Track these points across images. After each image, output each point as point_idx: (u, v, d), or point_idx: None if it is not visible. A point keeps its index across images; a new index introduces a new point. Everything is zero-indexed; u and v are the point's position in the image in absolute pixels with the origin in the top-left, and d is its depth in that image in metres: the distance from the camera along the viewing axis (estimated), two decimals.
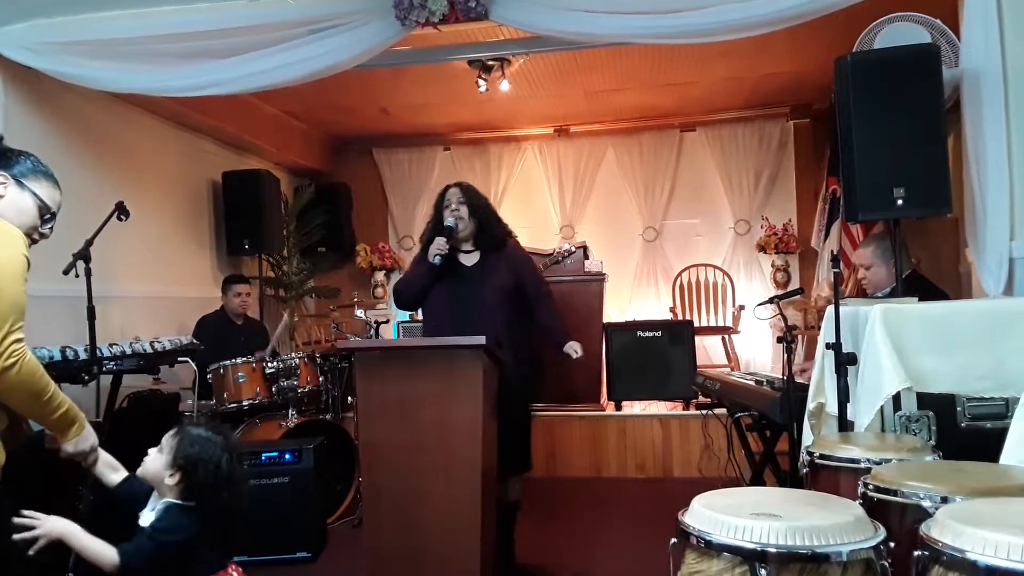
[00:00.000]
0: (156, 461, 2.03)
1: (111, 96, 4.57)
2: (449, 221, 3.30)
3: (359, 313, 4.66)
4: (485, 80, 5.52)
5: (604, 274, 5.56)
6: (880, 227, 4.27)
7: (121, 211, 3.64)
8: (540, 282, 3.52)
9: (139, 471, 2.07)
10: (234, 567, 2.08)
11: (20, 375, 1.86)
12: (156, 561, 1.93)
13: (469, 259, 3.37)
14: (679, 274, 6.92)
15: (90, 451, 2.12)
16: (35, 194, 2.13)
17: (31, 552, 1.89)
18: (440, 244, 3.24)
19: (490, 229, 3.38)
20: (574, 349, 3.41)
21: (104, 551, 1.91)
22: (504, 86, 5.65)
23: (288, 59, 3.74)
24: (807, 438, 2.71)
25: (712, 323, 6.71)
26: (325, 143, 7.61)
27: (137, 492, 2.09)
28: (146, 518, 2.01)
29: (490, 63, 5.39)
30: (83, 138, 4.53)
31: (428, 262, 3.26)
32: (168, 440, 2.04)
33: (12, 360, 1.83)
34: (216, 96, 4.18)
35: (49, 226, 2.17)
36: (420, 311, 3.60)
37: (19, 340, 1.86)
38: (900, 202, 3.08)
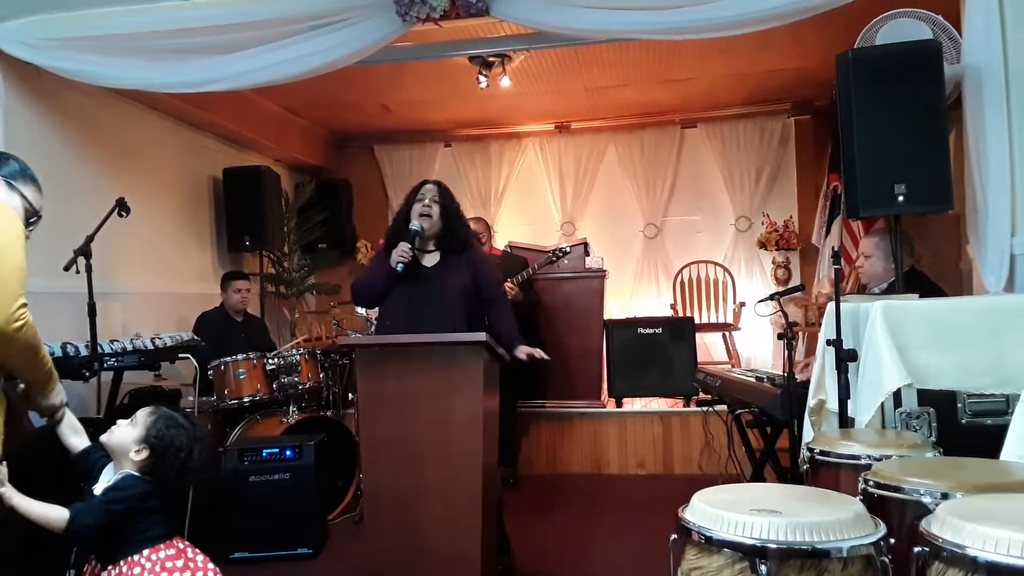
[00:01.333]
0: (125, 433, 2.06)
1: (111, 92, 4.56)
2: (415, 225, 3.22)
3: (360, 310, 4.67)
4: (486, 76, 5.52)
5: (605, 271, 5.56)
6: (881, 223, 4.26)
7: (122, 207, 3.64)
8: (495, 284, 3.41)
9: (103, 438, 2.09)
10: (179, 539, 2.10)
11: (26, 335, 1.98)
12: (103, 519, 1.97)
13: (430, 259, 3.30)
14: (680, 271, 6.91)
15: (59, 405, 2.21)
16: (23, 196, 2.16)
17: None
18: (404, 250, 3.15)
19: (455, 233, 3.30)
20: (524, 353, 3.21)
21: (53, 512, 1.96)
22: (505, 82, 5.65)
23: (289, 55, 3.74)
24: (808, 435, 2.71)
25: (713, 320, 6.70)
26: (326, 139, 7.61)
27: (93, 465, 2.13)
28: (101, 489, 2.05)
29: (491, 59, 5.39)
30: (83, 134, 4.53)
31: (389, 264, 3.17)
32: (144, 416, 2.07)
33: (22, 322, 1.95)
34: (217, 92, 4.18)
35: (31, 228, 2.22)
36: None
37: (25, 304, 1.98)
38: (901, 199, 3.08)
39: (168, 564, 2.00)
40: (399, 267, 3.15)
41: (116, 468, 2.07)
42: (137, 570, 1.98)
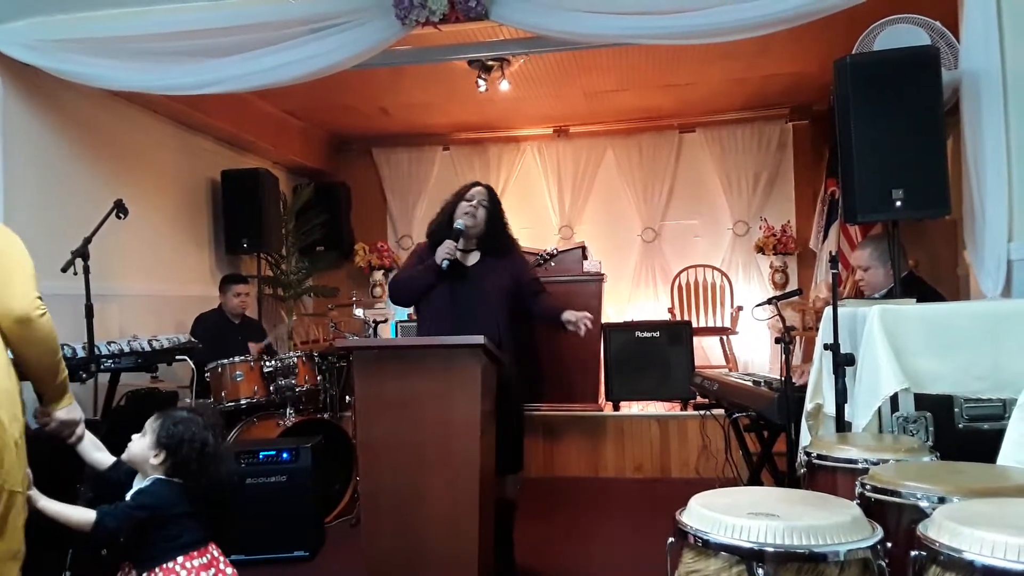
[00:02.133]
0: (140, 444, 2.11)
1: (110, 94, 4.57)
2: (459, 223, 3.25)
3: (357, 312, 4.67)
4: (485, 80, 5.52)
5: (603, 274, 5.55)
6: (878, 229, 4.27)
7: (119, 209, 3.64)
8: (536, 281, 3.52)
9: (124, 455, 2.15)
10: (214, 546, 2.12)
11: (46, 325, 2.05)
12: (129, 522, 2.00)
13: (470, 259, 3.35)
14: (677, 275, 6.92)
15: (77, 422, 2.23)
16: None
17: None
18: (449, 248, 3.18)
19: (498, 236, 3.36)
20: (575, 316, 3.21)
21: (80, 515, 2.00)
22: (504, 86, 5.66)
23: (288, 58, 3.74)
24: (805, 439, 2.71)
25: (710, 324, 6.71)
26: (324, 142, 7.61)
27: (125, 475, 2.17)
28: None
29: (490, 63, 5.40)
30: (82, 136, 4.53)
31: (433, 261, 3.21)
32: (151, 423, 2.13)
33: (42, 310, 2.04)
34: (215, 95, 4.18)
35: None
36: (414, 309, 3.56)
37: (41, 297, 2.06)
38: (899, 204, 3.08)
39: (203, 574, 2.03)
40: (444, 264, 3.17)
41: (142, 478, 2.12)
42: None
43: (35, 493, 2.02)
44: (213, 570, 2.06)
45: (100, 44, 3.85)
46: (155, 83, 3.99)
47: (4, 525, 1.91)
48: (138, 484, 2.11)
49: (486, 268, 3.31)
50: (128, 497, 2.07)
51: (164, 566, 2.01)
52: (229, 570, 2.12)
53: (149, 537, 2.02)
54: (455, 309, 3.22)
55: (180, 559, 2.02)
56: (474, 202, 3.31)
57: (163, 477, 2.08)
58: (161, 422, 2.11)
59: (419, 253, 3.43)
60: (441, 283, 3.25)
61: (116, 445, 2.29)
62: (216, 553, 2.11)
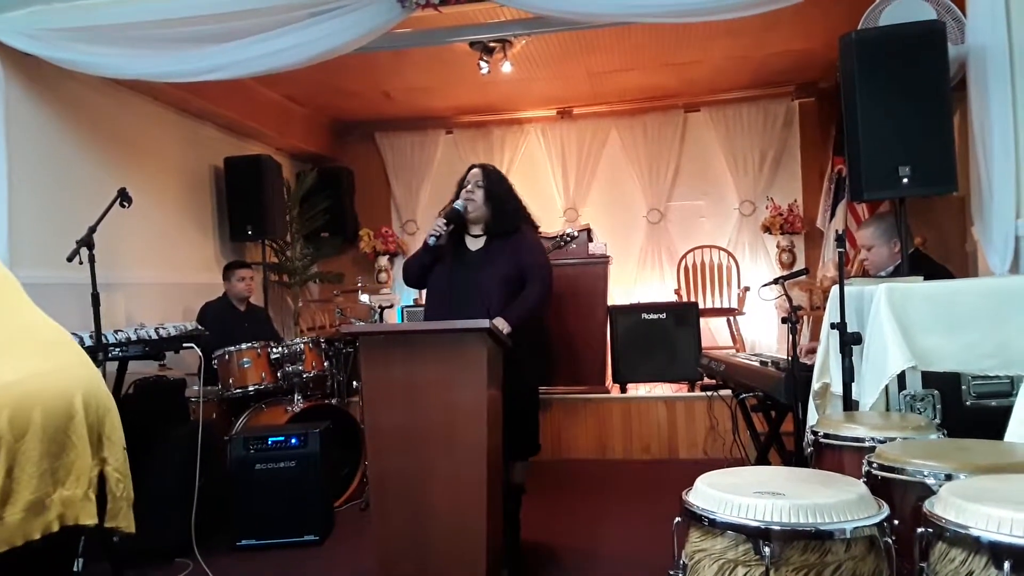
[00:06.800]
0: None
1: (112, 82, 4.56)
2: (458, 204, 3.26)
3: (363, 298, 4.67)
4: (487, 62, 5.49)
5: (608, 256, 5.55)
6: (885, 206, 4.25)
7: (123, 198, 3.63)
8: (536, 267, 3.28)
9: None
10: None
11: None
12: None
13: (475, 243, 3.34)
14: (684, 256, 6.90)
15: None
16: None
17: None
18: (438, 225, 3.22)
19: (503, 216, 3.30)
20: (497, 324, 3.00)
21: None
22: (506, 68, 5.62)
23: (288, 43, 3.73)
24: (812, 418, 2.71)
25: (717, 305, 6.70)
26: (327, 127, 7.59)
27: None
28: None
29: (492, 45, 5.36)
30: (84, 125, 4.52)
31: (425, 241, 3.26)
32: None
33: None
34: (217, 81, 4.17)
35: None
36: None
37: None
38: (906, 181, 3.06)
39: None
40: (431, 240, 3.21)
41: None
42: None
43: None
44: None
45: (100, 32, 3.84)
46: (155, 70, 3.98)
47: (126, 478, 2.21)
48: None
49: (489, 253, 3.28)
50: None
51: None
52: None
53: None
54: (451, 294, 3.23)
55: None
56: (470, 186, 3.30)
57: None
58: None
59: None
60: (441, 266, 3.28)
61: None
62: None
